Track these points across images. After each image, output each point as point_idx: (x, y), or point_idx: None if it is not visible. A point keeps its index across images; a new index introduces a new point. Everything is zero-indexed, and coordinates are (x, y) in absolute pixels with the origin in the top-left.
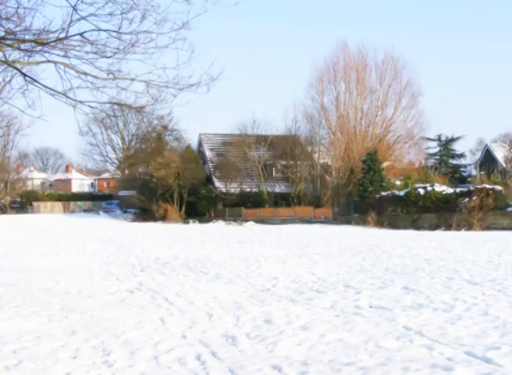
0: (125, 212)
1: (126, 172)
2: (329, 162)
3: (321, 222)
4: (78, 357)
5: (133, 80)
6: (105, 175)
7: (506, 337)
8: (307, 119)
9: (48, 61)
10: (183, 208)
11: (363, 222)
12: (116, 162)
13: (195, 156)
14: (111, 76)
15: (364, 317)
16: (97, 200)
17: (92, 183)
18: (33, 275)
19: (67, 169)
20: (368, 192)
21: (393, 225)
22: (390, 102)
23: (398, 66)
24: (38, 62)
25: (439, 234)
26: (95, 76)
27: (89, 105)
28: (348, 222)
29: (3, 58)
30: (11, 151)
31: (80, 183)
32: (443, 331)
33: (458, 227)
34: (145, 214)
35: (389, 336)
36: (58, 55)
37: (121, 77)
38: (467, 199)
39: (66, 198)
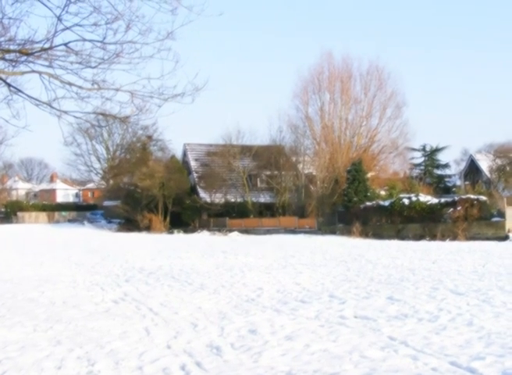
0: (109, 222)
1: (111, 182)
2: (314, 173)
3: (306, 232)
4: (63, 367)
5: (117, 90)
6: (90, 185)
7: (491, 347)
8: (292, 129)
9: (33, 71)
10: (168, 219)
11: (347, 232)
12: (101, 172)
13: (180, 166)
14: (95, 86)
15: (349, 327)
16: (81, 210)
17: (77, 193)
18: (17, 285)
19: (52, 180)
20: (353, 202)
21: (378, 235)
22: (375, 112)
23: (383, 76)
24: (23, 73)
25: (424, 244)
26: (80, 87)
27: (73, 115)
28: (333, 232)
29: None
30: None
31: (65, 194)
32: (428, 341)
33: (443, 237)
34: (130, 224)
35: (373, 346)
36: (42, 65)
37: (106, 87)
38: (451, 209)
39: (51, 208)
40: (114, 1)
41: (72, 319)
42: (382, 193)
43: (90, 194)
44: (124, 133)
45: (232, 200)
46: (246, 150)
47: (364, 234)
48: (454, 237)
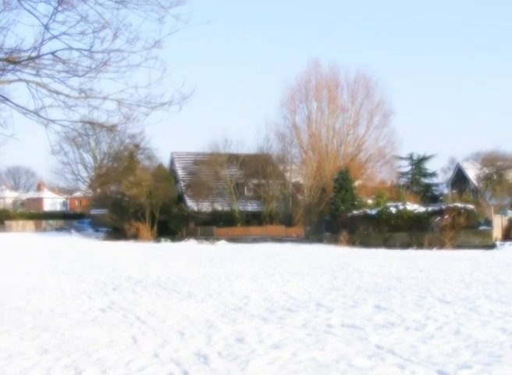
0: (97, 230)
1: (98, 190)
2: (301, 181)
3: (293, 241)
4: None
5: (104, 98)
6: (77, 194)
7: (478, 355)
8: (279, 137)
9: (20, 80)
10: (155, 227)
11: (335, 241)
12: (88, 180)
13: (167, 175)
14: (82, 94)
15: (336, 336)
16: (69, 219)
17: (64, 201)
18: (4, 294)
19: (39, 188)
20: (340, 211)
21: (365, 244)
22: (362, 121)
23: (370, 85)
24: (10, 81)
25: (411, 253)
26: (67, 95)
27: (61, 124)
28: (320, 241)
29: None
30: None
31: (52, 202)
32: (415, 350)
33: (430, 246)
34: (117, 233)
35: (360, 355)
36: (30, 73)
37: (93, 96)
38: (438, 218)
39: (38, 216)
40: (101, 10)
41: (60, 328)
42: (369, 201)
43: (77, 203)
44: (111, 141)
45: (220, 208)
46: (233, 158)
47: (352, 243)
48: (441, 246)
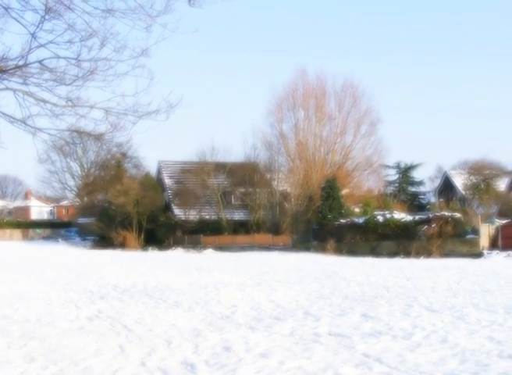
0: (84, 239)
1: (85, 199)
2: (288, 190)
3: (280, 249)
4: None
5: (92, 107)
6: (64, 202)
7: (466, 364)
8: (266, 146)
9: (7, 88)
10: (142, 236)
11: (322, 249)
12: (75, 189)
13: (154, 184)
14: (70, 103)
15: (323, 344)
16: (56, 227)
17: (51, 210)
18: None
19: (26, 197)
20: (327, 219)
21: (352, 252)
22: (349, 129)
23: (357, 93)
24: None
25: (398, 262)
26: (54, 104)
27: (48, 133)
28: (307, 249)
29: None
30: None
31: (39, 211)
32: (402, 358)
33: (417, 255)
34: (104, 241)
35: (348, 363)
36: (17, 82)
37: (80, 105)
38: (426, 227)
39: (25, 225)
40: (88, 19)
41: (47, 336)
42: (357, 210)
43: (64, 212)
44: (98, 150)
45: (207, 217)
46: (220, 167)
47: (339, 251)
48: (429, 255)
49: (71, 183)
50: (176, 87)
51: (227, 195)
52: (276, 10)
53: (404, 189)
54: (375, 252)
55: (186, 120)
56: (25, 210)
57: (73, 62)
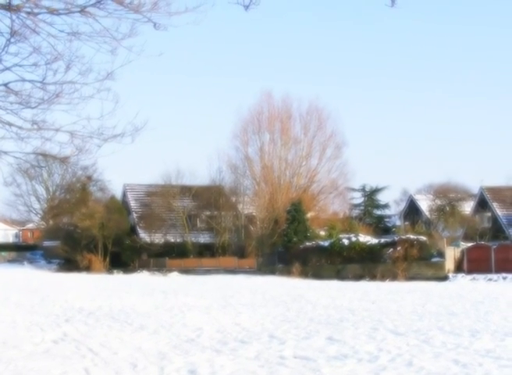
0: (49, 262)
1: (51, 222)
2: (254, 213)
3: (246, 272)
4: None
5: (57, 130)
6: (30, 225)
7: None
8: (232, 169)
9: None
10: (108, 259)
11: (287, 272)
12: (41, 212)
13: (119, 207)
14: (35, 126)
15: (289, 367)
16: (21, 250)
17: (16, 233)
18: None
19: None
20: (293, 242)
21: (318, 275)
22: (315, 153)
23: (322, 117)
24: None
25: (364, 285)
26: (20, 127)
27: (13, 156)
28: (273, 272)
29: None
30: None
31: (4, 234)
32: None
33: (383, 278)
34: (69, 264)
35: None
36: None
37: (45, 128)
38: (391, 250)
39: None
40: (54, 42)
41: (12, 360)
42: (322, 233)
43: (29, 235)
44: (64, 173)
45: (172, 240)
46: (185, 190)
47: (304, 275)
48: (394, 278)
49: (36, 206)
50: (142, 110)
51: (192, 218)
52: (242, 34)
53: (370, 212)
54: (340, 275)
55: (152, 143)
56: None
57: (39, 85)
